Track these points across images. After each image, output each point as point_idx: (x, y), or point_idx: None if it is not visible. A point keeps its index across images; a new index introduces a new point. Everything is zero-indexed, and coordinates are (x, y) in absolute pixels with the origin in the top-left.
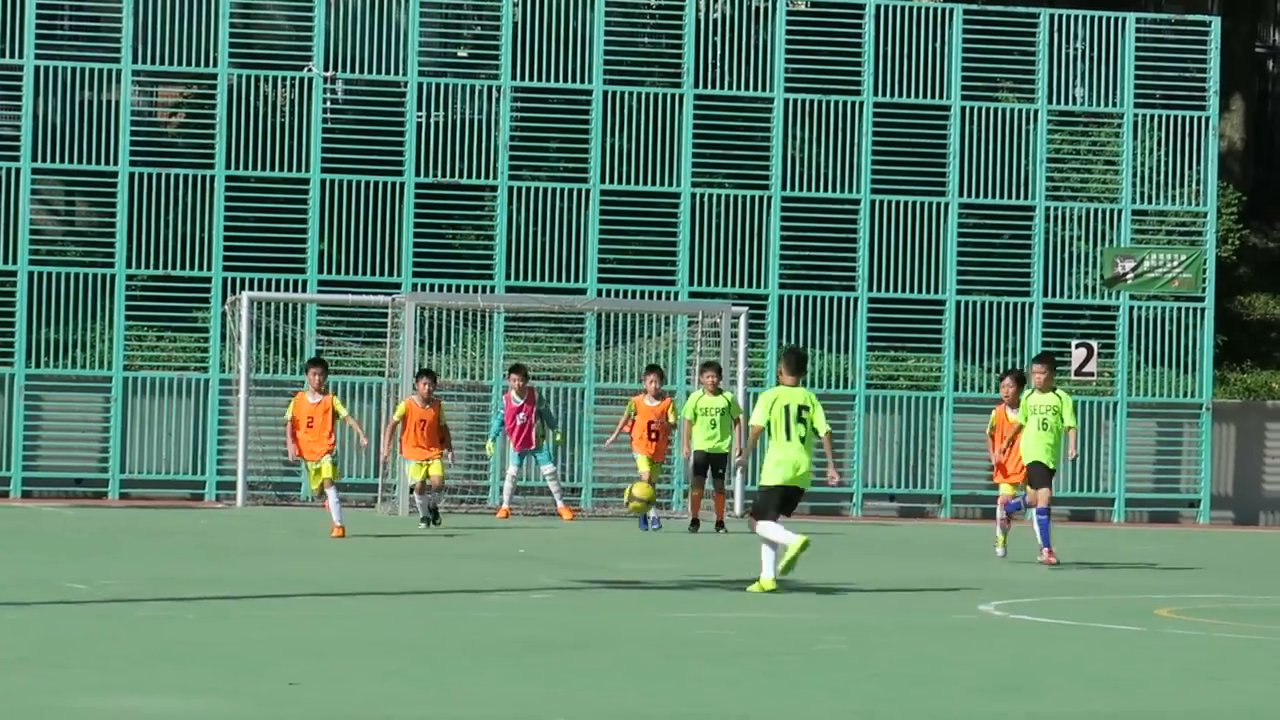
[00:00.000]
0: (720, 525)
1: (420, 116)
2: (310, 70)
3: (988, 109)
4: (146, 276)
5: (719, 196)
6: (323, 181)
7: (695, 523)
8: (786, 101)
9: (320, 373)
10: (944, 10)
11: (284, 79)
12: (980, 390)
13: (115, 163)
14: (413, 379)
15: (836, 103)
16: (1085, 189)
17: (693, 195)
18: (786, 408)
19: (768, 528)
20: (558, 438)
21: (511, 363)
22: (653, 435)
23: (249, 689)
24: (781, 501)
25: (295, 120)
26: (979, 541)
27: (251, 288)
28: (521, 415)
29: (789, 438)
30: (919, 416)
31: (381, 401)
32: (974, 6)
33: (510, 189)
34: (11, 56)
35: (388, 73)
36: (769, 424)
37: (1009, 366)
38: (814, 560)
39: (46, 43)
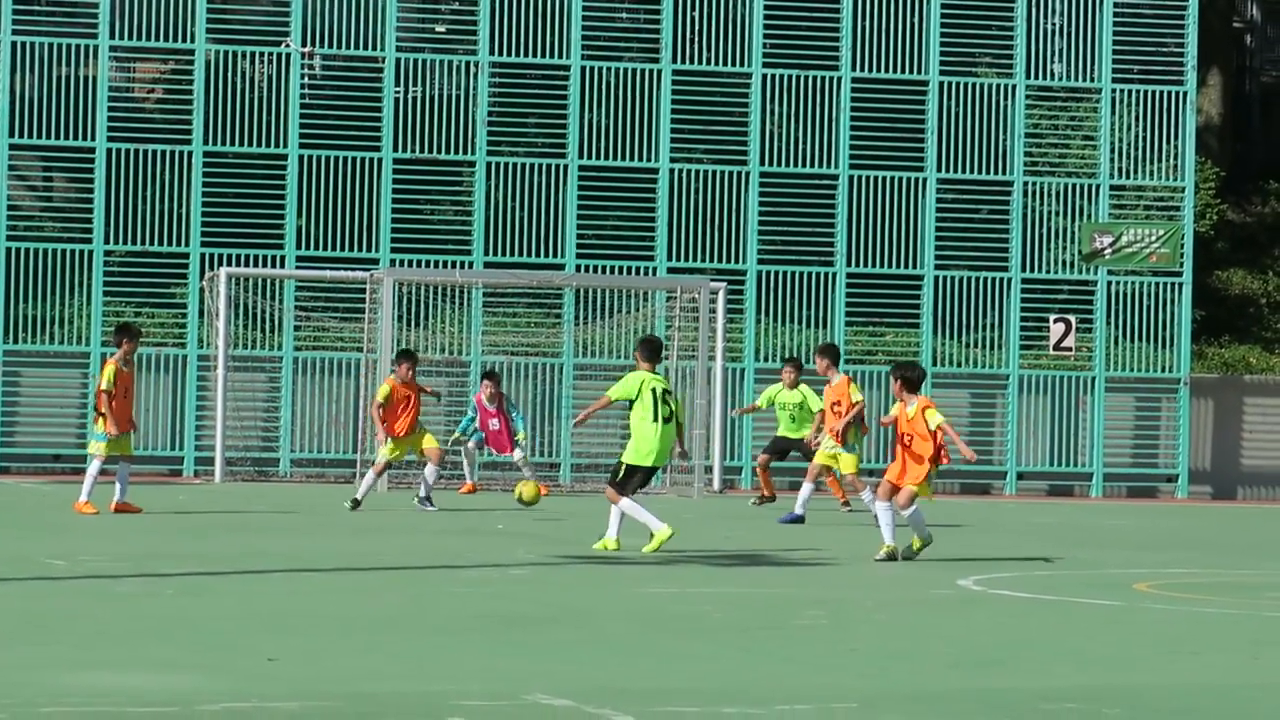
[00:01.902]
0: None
1: (398, 92)
2: (288, 46)
3: (966, 84)
4: (124, 252)
5: (697, 172)
6: (300, 157)
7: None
8: (764, 77)
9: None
10: None
11: (262, 54)
12: (958, 365)
13: (93, 139)
14: (392, 361)
15: (814, 78)
16: (1063, 164)
17: (671, 170)
18: (654, 390)
19: (632, 506)
20: (520, 438)
21: (487, 368)
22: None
23: (228, 665)
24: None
25: (273, 96)
26: (957, 516)
27: (229, 264)
28: (495, 421)
29: (655, 418)
30: None
31: (360, 377)
32: None
33: (488, 164)
34: None
35: (365, 48)
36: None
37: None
38: (795, 536)
39: (23, 18)
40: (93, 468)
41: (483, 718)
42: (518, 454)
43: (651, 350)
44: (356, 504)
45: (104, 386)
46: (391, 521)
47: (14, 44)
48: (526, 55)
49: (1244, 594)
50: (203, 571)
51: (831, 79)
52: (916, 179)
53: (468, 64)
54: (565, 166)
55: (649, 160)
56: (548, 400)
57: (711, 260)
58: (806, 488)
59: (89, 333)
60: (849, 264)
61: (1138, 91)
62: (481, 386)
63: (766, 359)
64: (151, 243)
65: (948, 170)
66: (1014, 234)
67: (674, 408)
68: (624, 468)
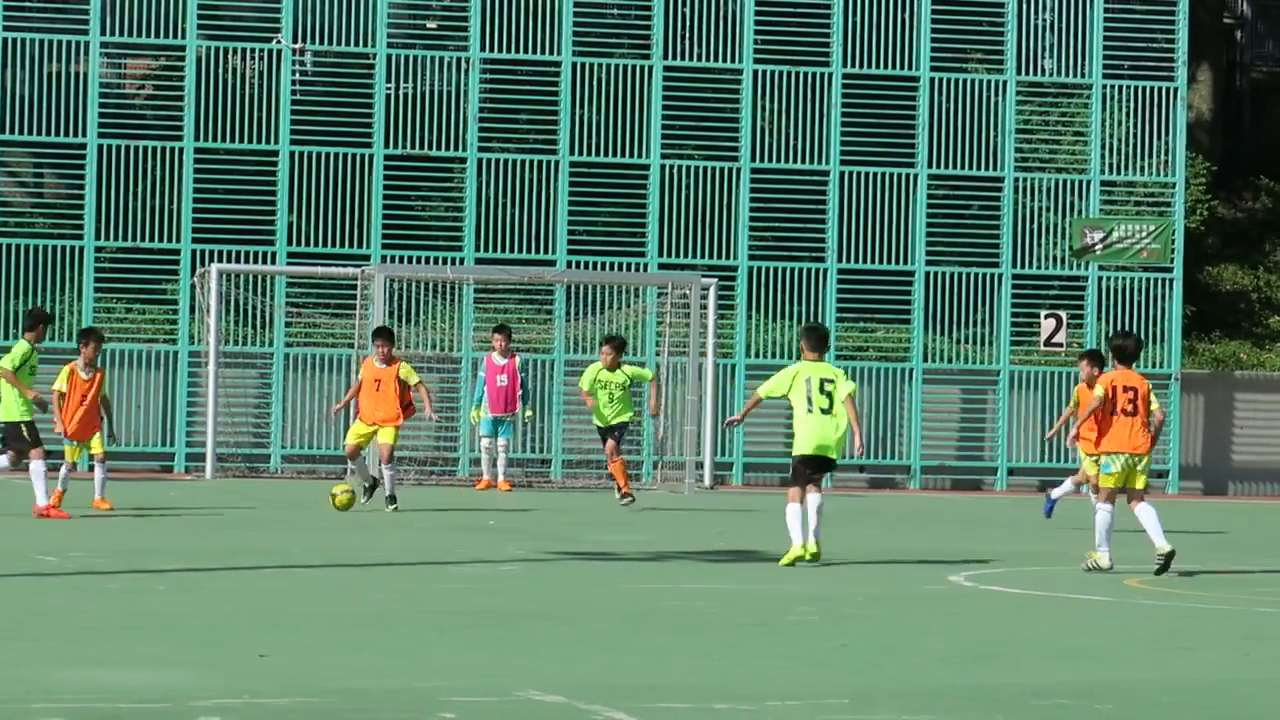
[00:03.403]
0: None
1: (389, 88)
2: (279, 42)
3: (956, 80)
4: (115, 248)
5: (688, 168)
6: (291, 154)
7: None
8: (755, 73)
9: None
10: None
11: (252, 51)
12: (949, 361)
13: (84, 135)
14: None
15: (805, 74)
16: (1054, 160)
17: (662, 167)
18: (809, 380)
19: (790, 512)
20: (528, 414)
21: (495, 325)
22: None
23: (219, 661)
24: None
25: (264, 92)
26: (948, 512)
27: (220, 260)
28: (503, 376)
29: (811, 409)
30: (888, 387)
31: (351, 374)
32: None
33: (479, 160)
34: None
35: (356, 44)
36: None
37: (1086, 348)
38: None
39: (14, 14)
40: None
41: (474, 714)
42: (527, 412)
43: (816, 339)
44: (369, 492)
45: (55, 386)
46: (382, 518)
47: (4, 39)
48: (518, 51)
49: (1235, 589)
50: (194, 568)
51: (822, 75)
52: (907, 175)
53: (459, 60)
54: (556, 162)
55: (640, 156)
56: (539, 396)
57: (703, 256)
58: (1069, 483)
59: (79, 329)
60: (840, 260)
61: (1128, 87)
62: (494, 340)
63: (758, 355)
64: (142, 239)
65: (939, 166)
66: (1005, 230)
67: (836, 397)
68: (791, 464)
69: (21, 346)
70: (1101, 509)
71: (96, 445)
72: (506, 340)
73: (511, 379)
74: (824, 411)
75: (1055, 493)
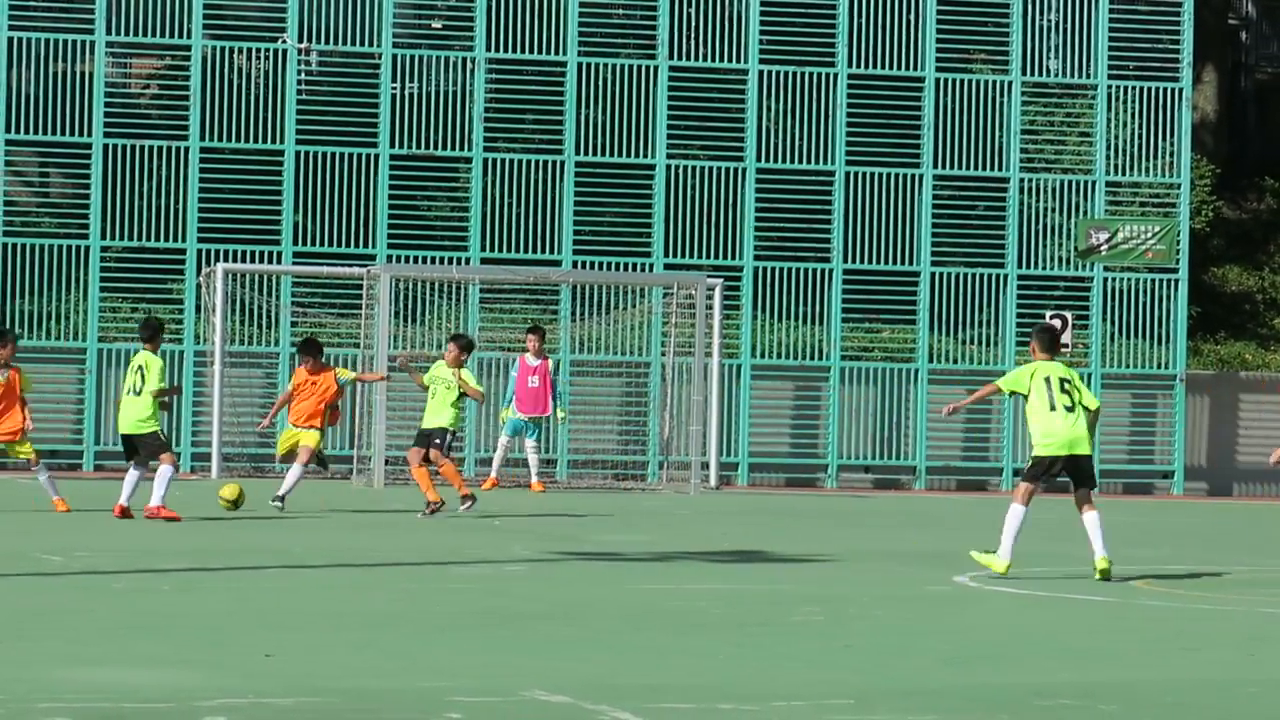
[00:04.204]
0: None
1: (395, 88)
2: (284, 42)
3: (962, 81)
4: (121, 248)
5: (694, 168)
6: (297, 153)
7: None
8: (761, 73)
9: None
10: None
11: (258, 50)
12: (954, 362)
13: (89, 134)
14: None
15: (811, 74)
16: (1059, 161)
17: (668, 167)
18: (1048, 379)
19: (1010, 515)
20: (561, 415)
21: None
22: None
23: (224, 661)
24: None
25: (269, 92)
26: (954, 513)
27: (226, 259)
28: (535, 378)
29: (1053, 407)
30: (893, 388)
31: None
32: None
33: (485, 160)
34: None
35: (362, 44)
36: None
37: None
38: (789, 532)
39: (20, 14)
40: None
41: (479, 714)
42: (560, 413)
43: (1049, 340)
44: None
45: None
46: (388, 518)
47: (10, 39)
48: (523, 51)
49: (1240, 590)
50: (199, 567)
51: (828, 75)
52: (913, 175)
53: (464, 60)
54: (562, 163)
55: (645, 156)
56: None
57: (708, 256)
58: None
59: (86, 329)
60: (845, 260)
61: (1133, 88)
62: (528, 341)
63: (763, 355)
64: (148, 238)
65: (944, 167)
66: (1010, 230)
67: (1077, 397)
68: (1031, 461)
69: (157, 362)
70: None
71: (27, 449)
72: (540, 341)
73: (543, 380)
74: (1068, 409)
75: None
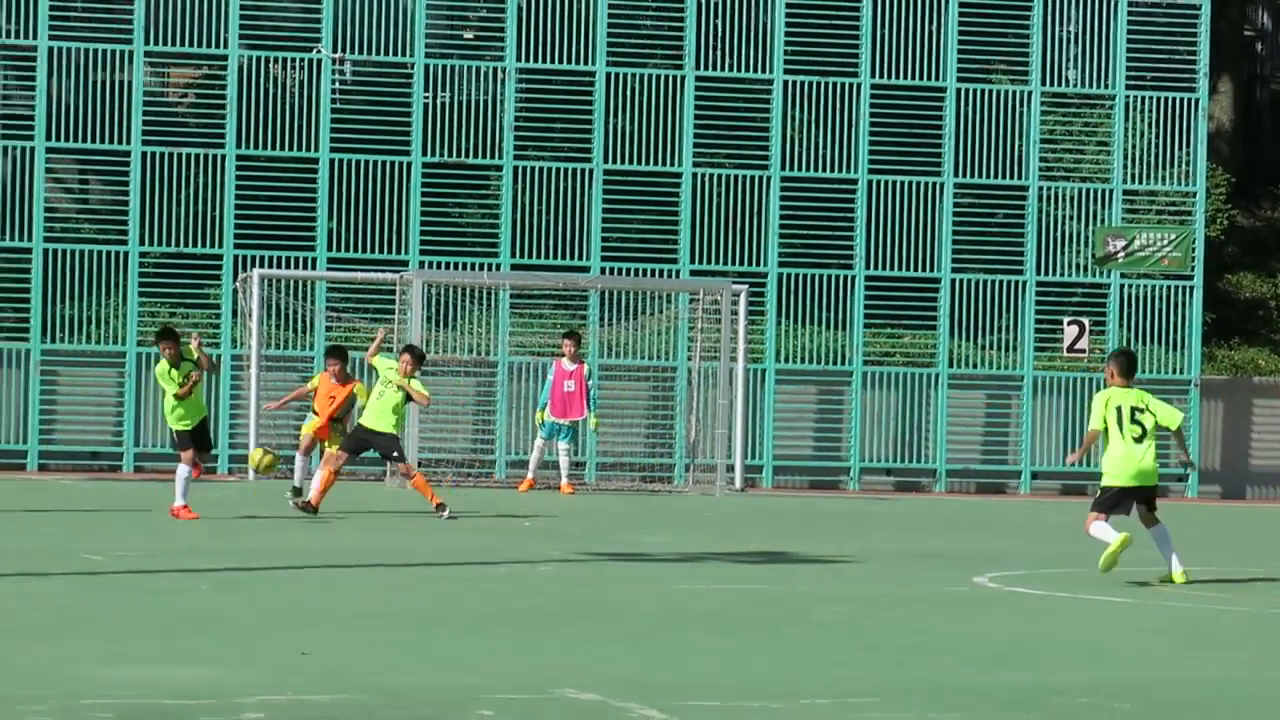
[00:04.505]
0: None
1: (427, 97)
2: (319, 52)
3: (982, 91)
4: (159, 254)
5: (719, 176)
6: (331, 161)
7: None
8: (785, 83)
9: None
10: None
11: (293, 60)
12: (974, 367)
13: (128, 142)
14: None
15: (834, 84)
16: (1077, 169)
17: (694, 175)
18: (1119, 408)
19: (1099, 529)
20: (595, 420)
21: (565, 330)
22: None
23: (262, 658)
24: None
25: (304, 101)
26: (973, 515)
27: (262, 265)
28: (570, 382)
29: (1123, 437)
30: (915, 392)
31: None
32: None
33: (515, 168)
34: (25, 38)
35: (395, 54)
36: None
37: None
38: (813, 533)
39: (59, 24)
40: None
41: (511, 711)
42: (592, 420)
43: (1126, 365)
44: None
45: None
46: (421, 520)
47: (50, 49)
48: (552, 61)
49: (1254, 591)
50: (237, 567)
51: (851, 85)
52: (934, 184)
53: (495, 70)
54: (590, 171)
55: (672, 165)
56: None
57: (733, 263)
58: None
59: (125, 333)
60: (868, 267)
61: (1150, 98)
62: (564, 346)
63: (787, 360)
64: (186, 244)
65: (964, 175)
66: (1029, 238)
67: (1149, 424)
68: (1100, 490)
69: (162, 366)
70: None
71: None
72: (576, 346)
73: (579, 385)
74: (1136, 441)
75: None
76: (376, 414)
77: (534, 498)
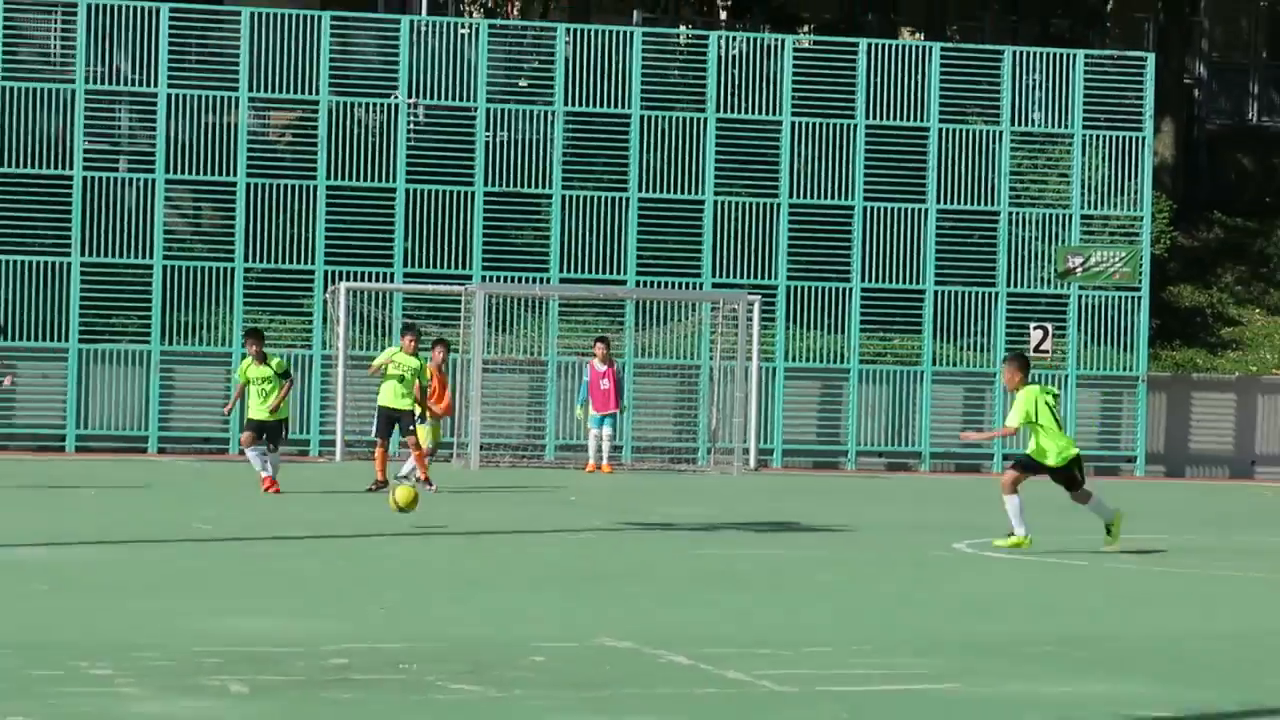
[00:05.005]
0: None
1: (488, 136)
2: (396, 97)
3: (960, 130)
4: (261, 269)
5: (736, 203)
6: (407, 190)
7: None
8: (793, 124)
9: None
10: (924, 48)
11: (374, 104)
12: (954, 365)
13: (234, 174)
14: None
15: (834, 125)
16: (1042, 197)
17: (715, 202)
18: (1045, 402)
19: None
20: (623, 406)
21: (596, 336)
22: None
23: (346, 613)
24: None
25: (384, 139)
26: (953, 491)
27: (348, 279)
28: (605, 381)
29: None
30: (903, 387)
31: (456, 375)
32: (949, 45)
33: (563, 197)
34: (148, 85)
35: (461, 99)
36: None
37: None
38: (816, 506)
39: (177, 74)
40: None
41: (558, 657)
42: (607, 431)
43: (1027, 365)
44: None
45: None
46: (484, 495)
47: (169, 95)
48: (595, 105)
49: (1193, 557)
50: (325, 535)
51: (849, 125)
52: (919, 209)
53: (546, 112)
54: (627, 199)
55: (696, 193)
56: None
57: (748, 277)
58: None
59: (231, 336)
60: (863, 280)
61: (1104, 136)
62: (595, 349)
63: (794, 359)
64: (283, 261)
65: (945, 202)
66: (1000, 256)
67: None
68: (1027, 460)
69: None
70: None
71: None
72: (607, 349)
73: (613, 383)
74: (1061, 427)
75: None
76: (401, 395)
77: (578, 476)
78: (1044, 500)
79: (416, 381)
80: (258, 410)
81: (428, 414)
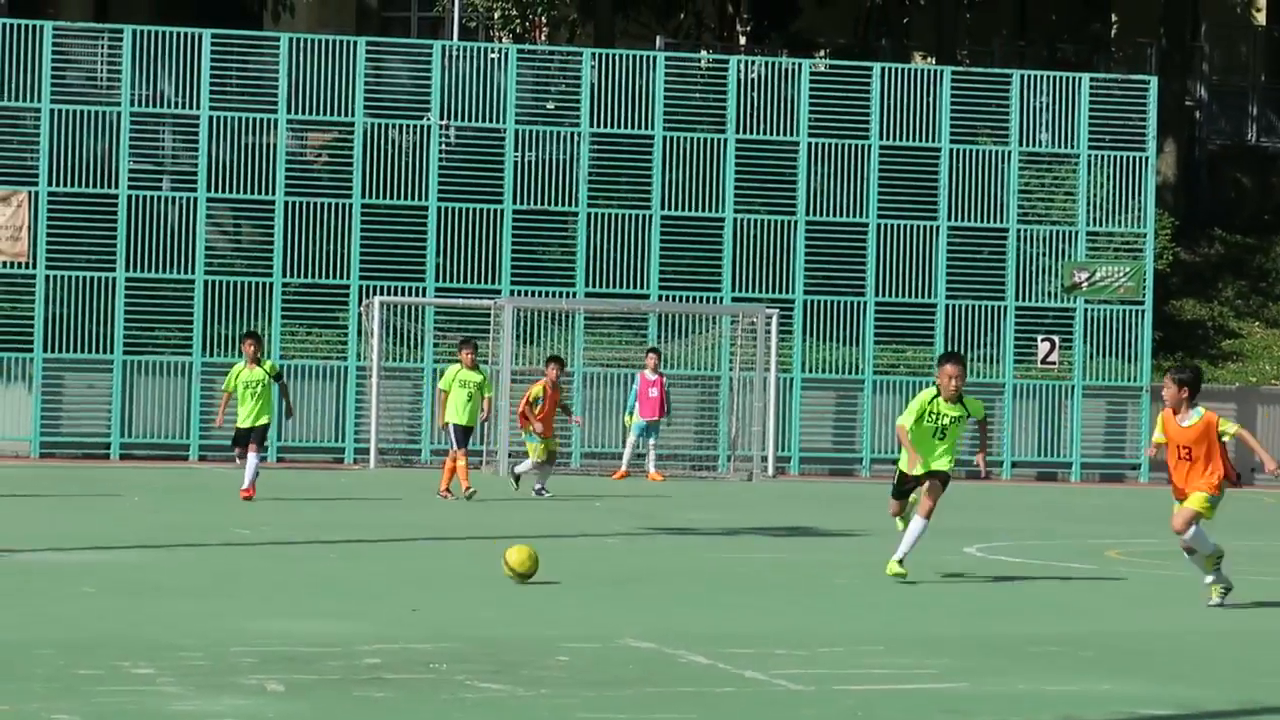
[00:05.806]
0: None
1: (517, 156)
2: (429, 119)
3: (970, 150)
4: (298, 284)
5: (755, 221)
6: (439, 208)
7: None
8: (810, 144)
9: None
10: (935, 72)
11: (408, 126)
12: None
13: (273, 193)
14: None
15: (849, 145)
16: (1049, 215)
17: (734, 220)
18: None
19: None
20: (666, 422)
21: (649, 347)
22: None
23: (379, 614)
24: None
25: (417, 159)
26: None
27: (382, 293)
28: (654, 390)
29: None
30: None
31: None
32: (959, 69)
33: (588, 214)
34: (190, 108)
35: (490, 121)
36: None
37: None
38: (831, 512)
39: (218, 97)
40: None
41: (582, 657)
42: (664, 422)
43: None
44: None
45: None
46: (513, 502)
47: (210, 117)
48: (619, 127)
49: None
50: (360, 539)
51: (863, 146)
52: (931, 226)
53: (572, 133)
54: (650, 216)
55: (717, 211)
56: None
57: (767, 291)
58: None
59: (270, 349)
60: (877, 294)
61: (1109, 156)
62: (647, 359)
63: (810, 370)
64: (319, 276)
65: (956, 219)
66: (1009, 271)
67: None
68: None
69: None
70: None
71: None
72: (658, 359)
73: (660, 392)
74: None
75: None
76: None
77: (604, 483)
78: (1047, 507)
79: (486, 397)
80: (244, 419)
81: (533, 430)
